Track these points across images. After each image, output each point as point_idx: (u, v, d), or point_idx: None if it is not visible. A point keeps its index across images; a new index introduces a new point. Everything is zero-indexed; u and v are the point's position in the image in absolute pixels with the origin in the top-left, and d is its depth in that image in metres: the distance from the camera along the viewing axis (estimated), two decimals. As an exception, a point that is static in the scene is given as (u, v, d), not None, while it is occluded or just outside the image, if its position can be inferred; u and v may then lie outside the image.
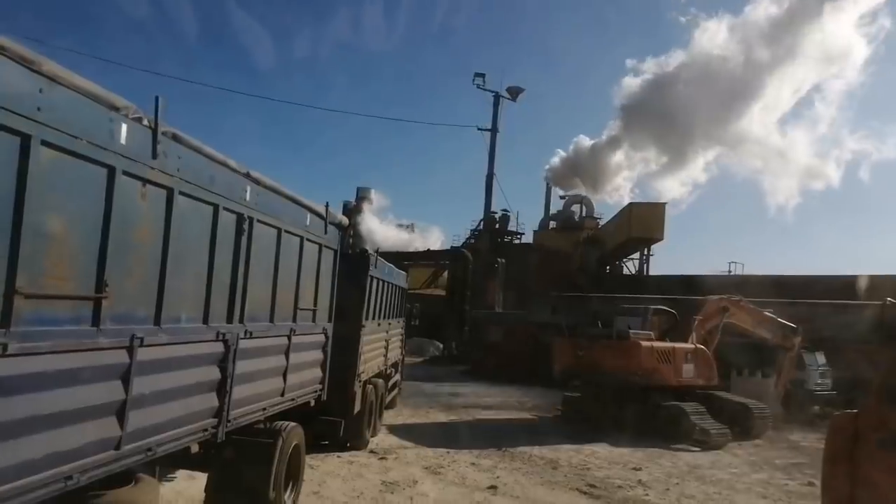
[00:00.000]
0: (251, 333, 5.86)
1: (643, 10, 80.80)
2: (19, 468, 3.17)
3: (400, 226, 27.67)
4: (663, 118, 36.90)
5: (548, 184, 51.12)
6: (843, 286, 24.40)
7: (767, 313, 17.44)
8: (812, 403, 17.86)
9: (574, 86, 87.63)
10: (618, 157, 45.90)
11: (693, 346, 15.58)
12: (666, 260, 67.50)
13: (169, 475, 6.45)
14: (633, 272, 44.82)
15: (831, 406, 16.29)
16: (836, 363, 18.83)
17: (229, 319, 5.51)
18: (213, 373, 5.31)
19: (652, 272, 43.25)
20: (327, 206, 7.94)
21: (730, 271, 38.80)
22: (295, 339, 7.00)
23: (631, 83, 43.27)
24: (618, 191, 48.16)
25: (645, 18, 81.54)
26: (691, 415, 14.10)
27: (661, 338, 15.63)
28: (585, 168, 47.71)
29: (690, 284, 26.34)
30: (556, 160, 51.55)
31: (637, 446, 12.93)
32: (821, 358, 18.90)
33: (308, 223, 7.30)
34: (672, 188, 40.90)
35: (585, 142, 49.83)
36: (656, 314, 16.63)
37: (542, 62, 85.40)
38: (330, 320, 8.35)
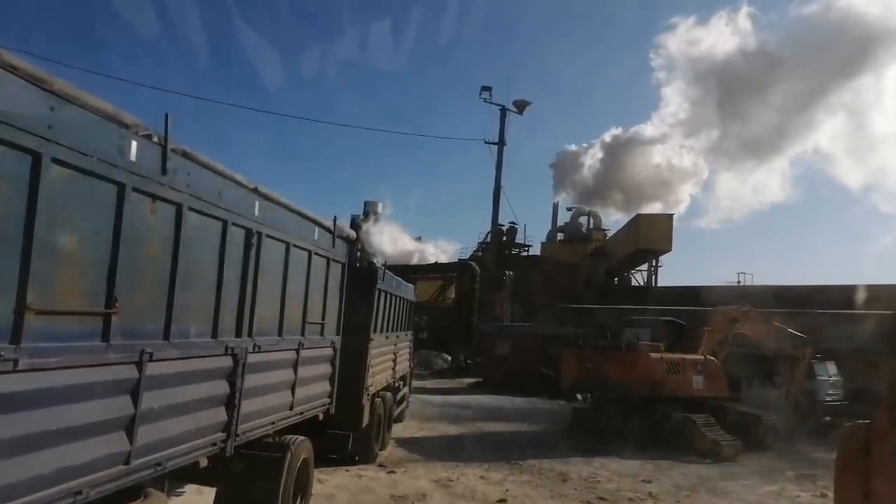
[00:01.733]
0: (260, 347, 5.88)
1: (647, 19, 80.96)
2: (29, 483, 3.18)
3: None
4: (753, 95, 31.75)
5: (556, 202, 50.23)
6: (846, 296, 24.22)
7: (777, 324, 17.34)
8: (823, 414, 17.71)
9: (580, 98, 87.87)
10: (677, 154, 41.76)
11: (703, 357, 15.51)
12: (677, 271, 66.91)
13: (177, 489, 6.44)
14: (642, 284, 44.64)
15: (842, 416, 16.13)
16: (845, 373, 18.69)
17: (238, 333, 5.53)
18: (222, 387, 5.32)
19: (661, 283, 43.07)
20: (335, 220, 7.99)
21: (739, 282, 38.59)
22: (303, 353, 7.01)
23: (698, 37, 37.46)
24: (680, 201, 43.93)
25: (652, 26, 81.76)
26: (701, 426, 14.02)
27: (670, 349, 15.56)
28: (618, 175, 44.87)
29: (696, 296, 26.20)
30: (584, 171, 48.77)
31: (647, 458, 12.84)
32: (832, 368, 18.75)
33: (316, 237, 7.34)
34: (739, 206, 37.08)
35: (621, 136, 47.14)
36: (665, 325, 16.57)
37: (548, 76, 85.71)
38: (338, 333, 8.37)
